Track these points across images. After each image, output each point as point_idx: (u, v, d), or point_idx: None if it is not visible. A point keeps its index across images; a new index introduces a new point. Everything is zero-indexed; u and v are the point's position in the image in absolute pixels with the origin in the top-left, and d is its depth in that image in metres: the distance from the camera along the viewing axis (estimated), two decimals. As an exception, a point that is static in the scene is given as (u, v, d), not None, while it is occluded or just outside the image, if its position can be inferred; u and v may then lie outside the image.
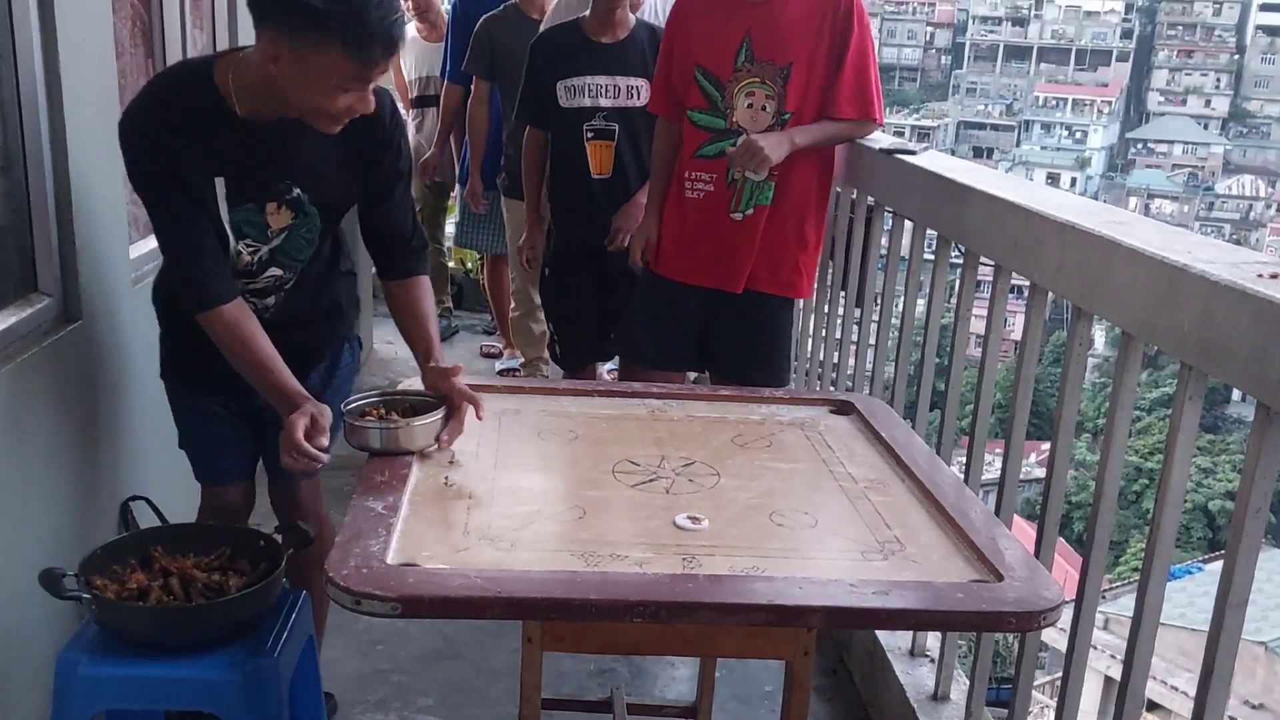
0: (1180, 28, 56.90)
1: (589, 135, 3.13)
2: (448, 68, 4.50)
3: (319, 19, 1.59)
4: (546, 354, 3.96)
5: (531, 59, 3.18)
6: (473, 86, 4.29)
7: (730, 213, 2.64)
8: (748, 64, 2.52)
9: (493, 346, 5.07)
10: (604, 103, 3.11)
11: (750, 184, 2.60)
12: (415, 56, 4.99)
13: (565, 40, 3.14)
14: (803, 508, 1.64)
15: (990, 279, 2.15)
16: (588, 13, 3.12)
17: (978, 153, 48.54)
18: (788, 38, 2.49)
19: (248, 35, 3.43)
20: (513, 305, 4.42)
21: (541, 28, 3.48)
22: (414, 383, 1.94)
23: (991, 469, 2.96)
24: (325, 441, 1.77)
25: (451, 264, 5.91)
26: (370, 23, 1.61)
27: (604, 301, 3.28)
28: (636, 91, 3.11)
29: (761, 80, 2.52)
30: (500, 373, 4.59)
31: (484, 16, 4.16)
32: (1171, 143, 52.53)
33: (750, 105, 2.54)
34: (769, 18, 2.49)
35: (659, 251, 2.80)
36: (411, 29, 4.97)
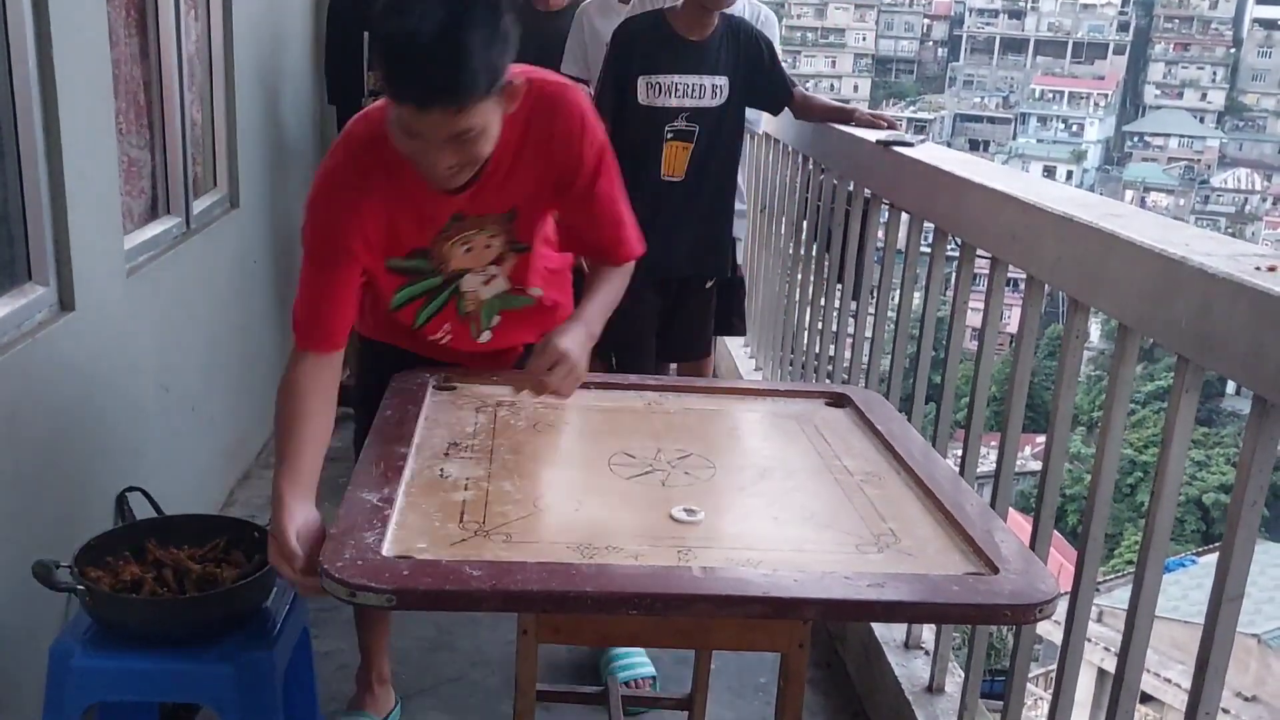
0: (1177, 21, 56.92)
1: (669, 136, 2.93)
2: None
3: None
4: None
5: (613, 49, 2.98)
6: None
7: (475, 340, 2.07)
8: (457, 223, 1.86)
9: None
10: (688, 103, 2.92)
11: (485, 308, 2.01)
12: None
13: (651, 34, 2.94)
14: (798, 500, 1.64)
15: (987, 272, 2.15)
16: (676, 4, 2.94)
17: (974, 145, 48.55)
18: (506, 192, 1.84)
19: (243, 25, 3.43)
20: None
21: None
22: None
23: (987, 461, 2.96)
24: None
25: None
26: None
27: (667, 316, 3.08)
28: (719, 91, 2.93)
29: (479, 229, 1.89)
30: None
31: None
32: (1168, 136, 52.59)
33: (470, 250, 1.91)
34: (477, 195, 1.81)
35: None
36: None
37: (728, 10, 2.94)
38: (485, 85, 1.53)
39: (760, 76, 2.98)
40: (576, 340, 1.77)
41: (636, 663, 2.53)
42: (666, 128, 2.92)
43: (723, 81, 2.93)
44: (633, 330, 3.07)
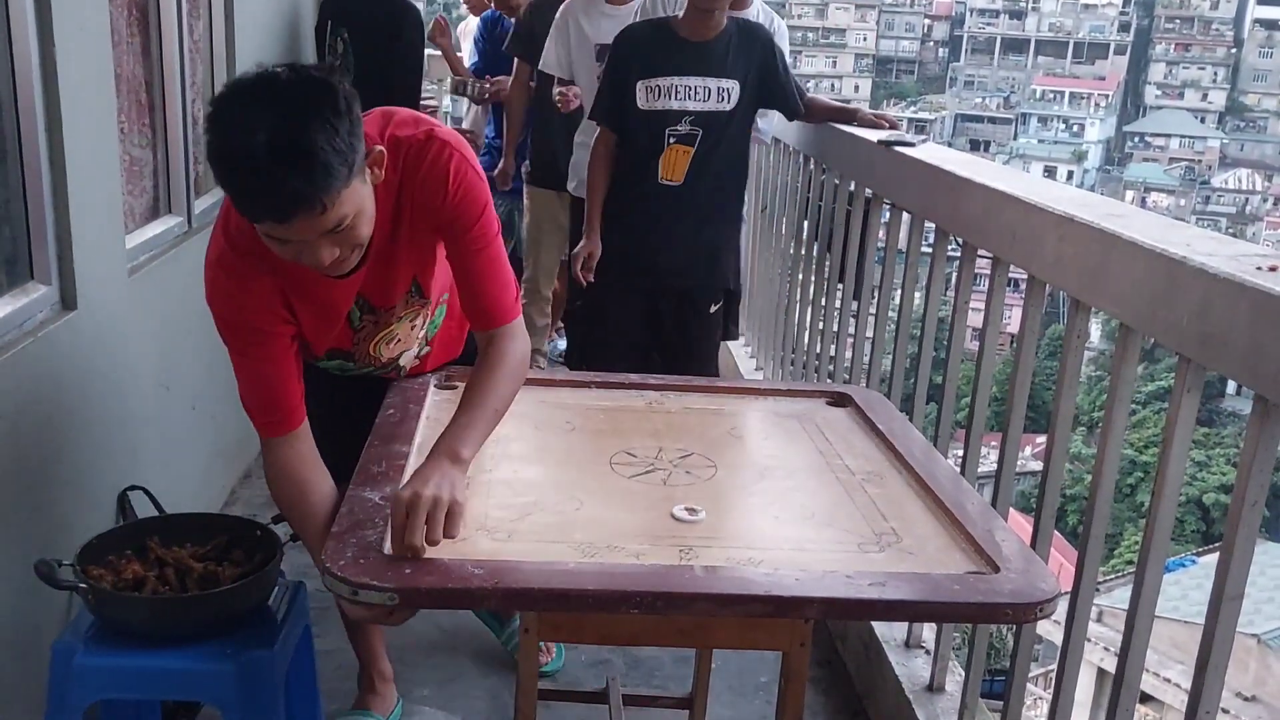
0: (1178, 21, 56.89)
1: (671, 140, 2.88)
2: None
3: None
4: (545, 346, 3.94)
5: (613, 54, 2.95)
6: (514, 67, 4.32)
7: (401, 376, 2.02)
8: (370, 317, 1.81)
9: None
10: (692, 106, 2.87)
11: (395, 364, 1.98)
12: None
13: (652, 38, 2.90)
14: (799, 499, 1.64)
15: (988, 272, 2.15)
16: (679, 13, 2.91)
17: (975, 145, 48.53)
18: (401, 271, 1.77)
19: (244, 24, 3.43)
20: (520, 292, 4.43)
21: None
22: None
23: (988, 461, 2.96)
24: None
25: None
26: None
27: (652, 326, 3.05)
28: (727, 94, 2.88)
29: (399, 318, 1.85)
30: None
31: (529, 2, 4.21)
32: (1168, 136, 52.56)
33: (399, 339, 1.89)
34: (370, 272, 1.72)
35: None
36: (471, 22, 5.05)
37: (740, 14, 2.92)
38: (344, 174, 1.42)
39: (773, 82, 2.95)
40: (424, 479, 1.44)
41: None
42: (668, 131, 2.88)
43: (731, 85, 2.88)
44: (610, 332, 3.07)
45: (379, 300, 1.79)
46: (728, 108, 2.89)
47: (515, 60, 4.29)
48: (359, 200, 1.48)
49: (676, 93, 2.87)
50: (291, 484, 1.71)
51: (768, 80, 2.93)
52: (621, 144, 2.98)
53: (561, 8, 3.59)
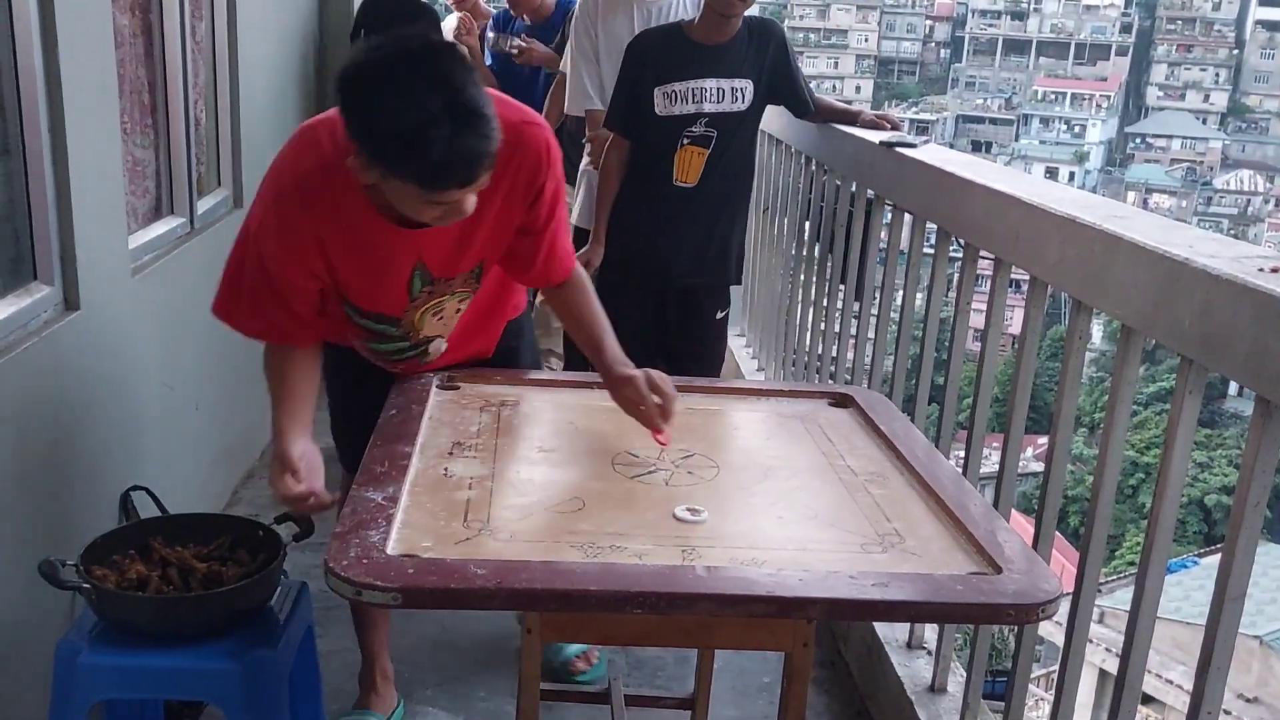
0: (1180, 22, 56.86)
1: (685, 141, 2.86)
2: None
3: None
4: (559, 346, 3.90)
5: (627, 62, 2.91)
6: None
7: (422, 364, 2.05)
8: (427, 288, 1.86)
9: None
10: (708, 108, 2.84)
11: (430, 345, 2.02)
12: None
13: (667, 44, 2.87)
14: (802, 500, 1.64)
15: (990, 273, 2.15)
16: (694, 19, 2.89)
17: (976, 147, 48.52)
18: (466, 243, 1.82)
19: (247, 27, 3.43)
20: (539, 293, 4.37)
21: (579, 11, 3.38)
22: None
23: (989, 462, 2.96)
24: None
25: None
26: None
27: (658, 329, 3.03)
28: (741, 94, 2.87)
29: (451, 292, 1.90)
30: None
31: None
32: (1170, 137, 52.53)
33: (441, 318, 1.94)
34: (439, 237, 1.77)
35: None
36: (453, 20, 5.02)
37: (746, 11, 2.91)
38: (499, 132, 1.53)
39: (785, 78, 2.95)
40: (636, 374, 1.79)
41: None
42: (683, 133, 2.87)
43: (745, 84, 2.88)
44: (618, 335, 3.06)
45: (441, 270, 1.84)
46: (742, 107, 2.89)
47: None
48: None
49: (693, 96, 2.86)
50: (283, 354, 1.83)
51: (780, 77, 2.93)
52: (635, 149, 2.97)
53: (580, 11, 3.34)
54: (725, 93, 2.87)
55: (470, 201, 1.60)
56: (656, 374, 1.77)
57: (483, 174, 1.54)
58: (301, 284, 1.79)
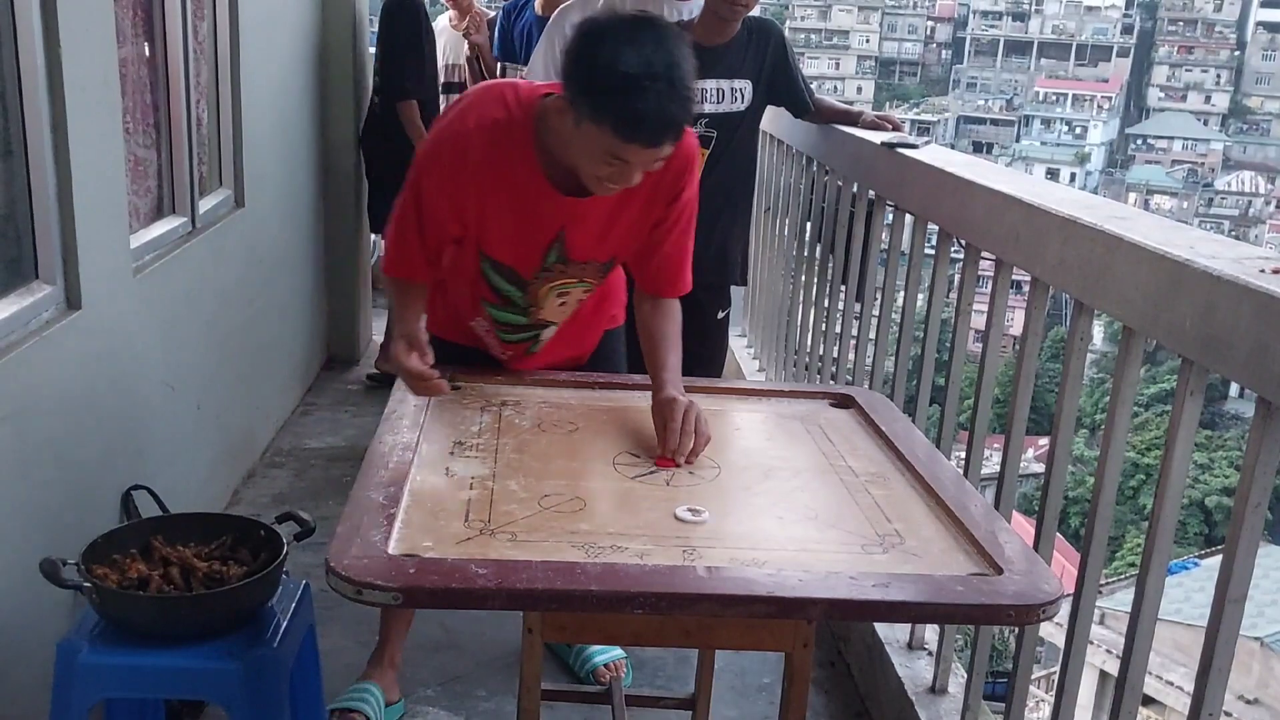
0: (1181, 24, 56.85)
1: None
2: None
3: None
4: None
5: None
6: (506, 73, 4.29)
7: (528, 354, 2.16)
8: (560, 264, 1.96)
9: None
10: (707, 108, 2.85)
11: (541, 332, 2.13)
12: (445, 43, 5.03)
13: None
14: (803, 500, 1.64)
15: (991, 274, 2.15)
16: (693, 19, 2.87)
17: (977, 148, 48.50)
18: (607, 231, 1.94)
19: (249, 25, 3.44)
20: None
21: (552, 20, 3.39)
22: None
23: (990, 463, 2.96)
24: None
25: None
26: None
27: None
28: (741, 95, 2.87)
29: (580, 279, 2.00)
30: None
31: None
32: (1171, 139, 52.53)
33: (564, 304, 2.04)
34: (587, 213, 1.89)
35: None
36: (445, 18, 5.02)
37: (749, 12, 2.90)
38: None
39: (784, 79, 2.95)
40: (680, 402, 1.81)
41: (608, 645, 2.52)
42: None
43: (745, 85, 2.88)
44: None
45: (576, 250, 1.94)
46: (741, 107, 2.89)
47: (501, 66, 4.26)
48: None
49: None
50: (400, 294, 1.98)
51: (779, 77, 2.93)
52: None
53: (556, 12, 3.46)
54: (725, 93, 2.87)
55: (637, 175, 1.71)
56: (703, 418, 1.77)
57: (667, 144, 1.65)
58: (445, 219, 1.90)
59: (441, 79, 5.05)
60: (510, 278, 1.98)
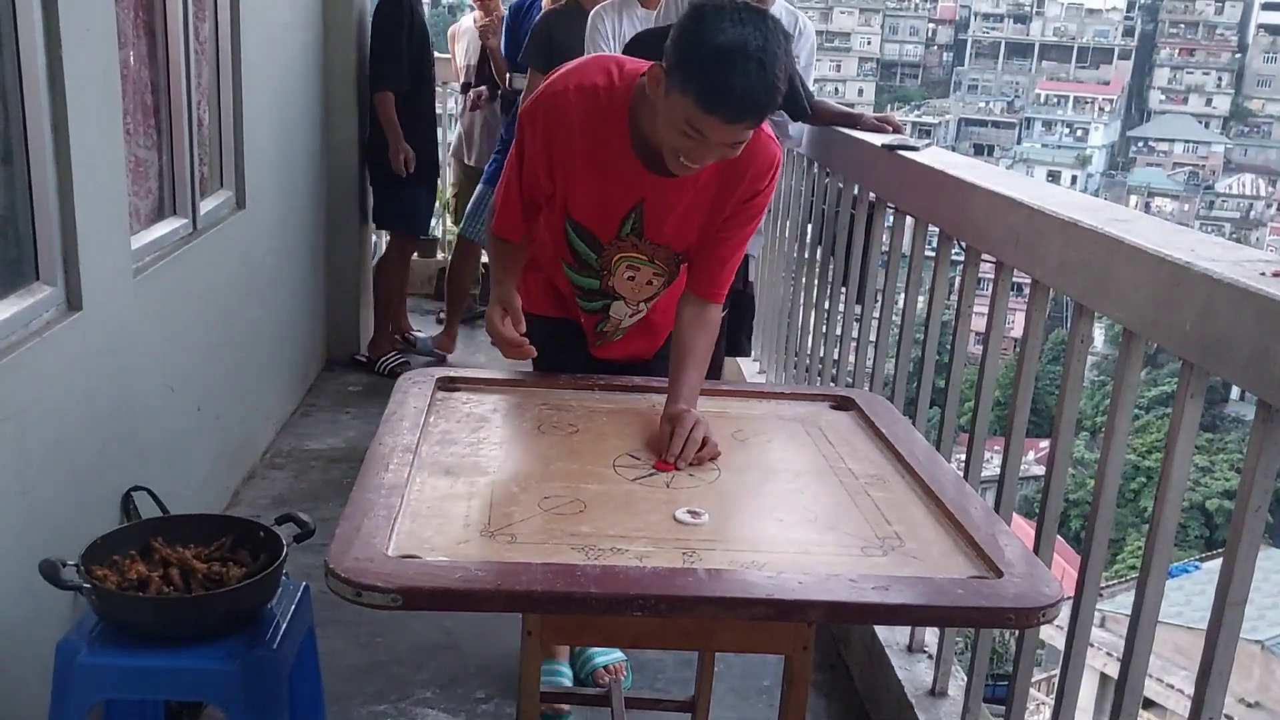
0: (1182, 26, 56.85)
1: None
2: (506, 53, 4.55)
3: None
4: None
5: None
6: (527, 78, 4.28)
7: (601, 328, 2.22)
8: (634, 237, 2.02)
9: None
10: None
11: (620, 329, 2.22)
12: (468, 42, 5.05)
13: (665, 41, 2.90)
14: (803, 503, 1.64)
15: (991, 276, 2.15)
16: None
17: (979, 150, 48.50)
18: (686, 219, 1.98)
19: (250, 26, 3.44)
20: None
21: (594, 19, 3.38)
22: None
23: (990, 466, 2.96)
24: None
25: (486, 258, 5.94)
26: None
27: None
28: None
29: (650, 259, 2.05)
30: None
31: (545, 10, 4.17)
32: (1172, 141, 52.53)
33: (633, 279, 2.09)
34: (667, 193, 1.94)
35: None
36: (471, 17, 5.04)
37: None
38: (778, 105, 1.70)
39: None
40: (702, 422, 1.82)
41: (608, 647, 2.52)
42: None
43: None
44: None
45: (651, 227, 2.00)
46: None
47: (529, 71, 4.24)
48: (749, 134, 1.74)
49: None
50: (500, 245, 2.09)
51: None
52: None
53: (592, 12, 3.44)
54: None
55: (711, 154, 1.76)
56: (711, 435, 1.78)
57: (745, 123, 1.69)
58: (540, 174, 1.97)
59: (462, 78, 5.08)
60: (589, 241, 2.06)
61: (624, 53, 2.94)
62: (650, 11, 3.19)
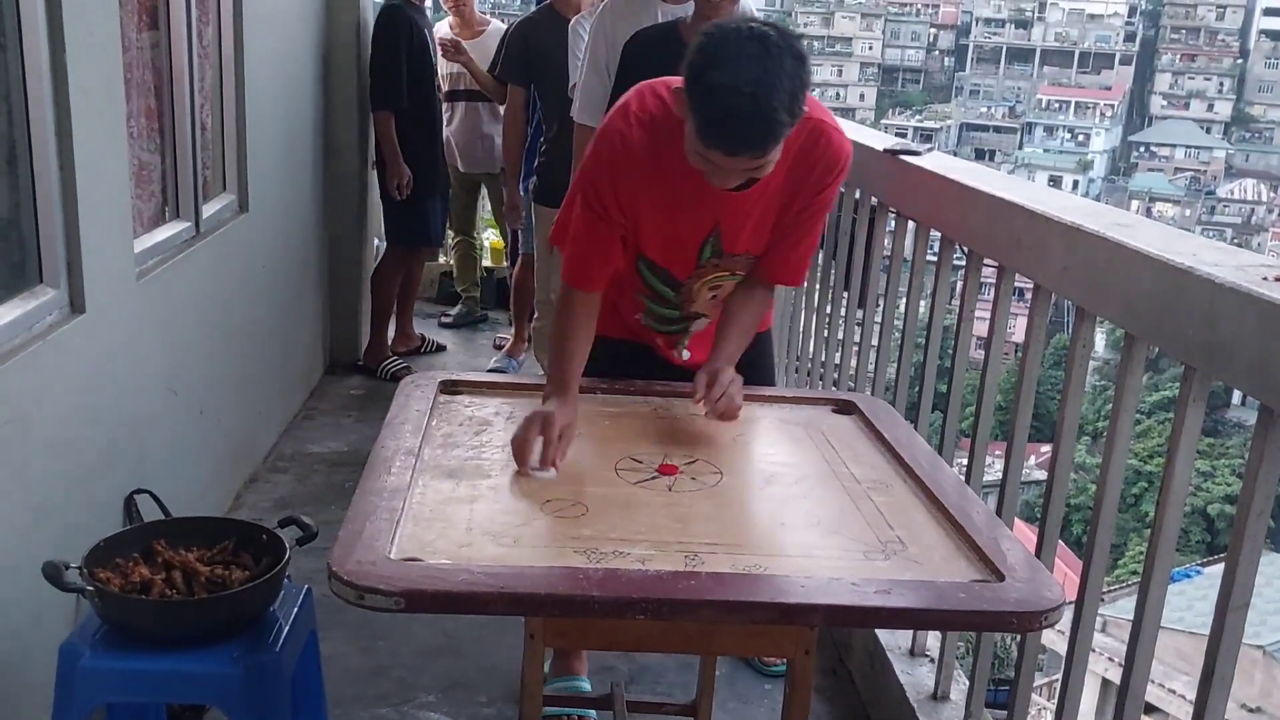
0: (1184, 31, 56.87)
1: None
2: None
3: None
4: None
5: (624, 63, 2.87)
6: (508, 93, 4.24)
7: (679, 357, 2.22)
8: (714, 259, 2.01)
9: (505, 339, 5.10)
10: None
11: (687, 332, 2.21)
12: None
13: (662, 43, 2.80)
14: (805, 507, 1.64)
15: (993, 281, 2.15)
16: (687, 16, 2.84)
17: (980, 155, 48.49)
18: (762, 224, 1.98)
19: (253, 30, 3.45)
20: (535, 315, 4.39)
21: (575, 25, 3.37)
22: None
23: (992, 470, 2.96)
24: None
25: (487, 261, 5.94)
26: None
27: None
28: None
29: (732, 272, 2.04)
30: (489, 372, 4.57)
31: (519, 20, 4.13)
32: (1174, 146, 52.51)
33: (715, 297, 2.09)
34: (740, 207, 1.93)
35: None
36: (446, 25, 5.01)
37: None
38: (787, 134, 1.70)
39: None
40: (732, 382, 1.89)
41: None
42: None
43: None
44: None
45: (731, 242, 1.99)
46: None
47: (509, 86, 4.20)
48: (778, 153, 1.74)
49: None
50: (564, 326, 1.96)
51: None
52: None
53: (597, 15, 3.24)
54: None
55: (733, 177, 1.76)
56: (735, 388, 1.86)
57: (746, 157, 1.69)
58: (613, 215, 1.93)
59: (445, 87, 5.03)
60: (665, 279, 2.06)
61: (620, 62, 2.94)
62: (672, 13, 3.14)
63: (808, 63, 1.70)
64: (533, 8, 4.46)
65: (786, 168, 1.86)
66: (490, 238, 5.57)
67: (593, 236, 1.95)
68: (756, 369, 2.24)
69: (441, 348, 5.08)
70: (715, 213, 1.93)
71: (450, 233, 5.43)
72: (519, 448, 1.70)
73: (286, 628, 1.85)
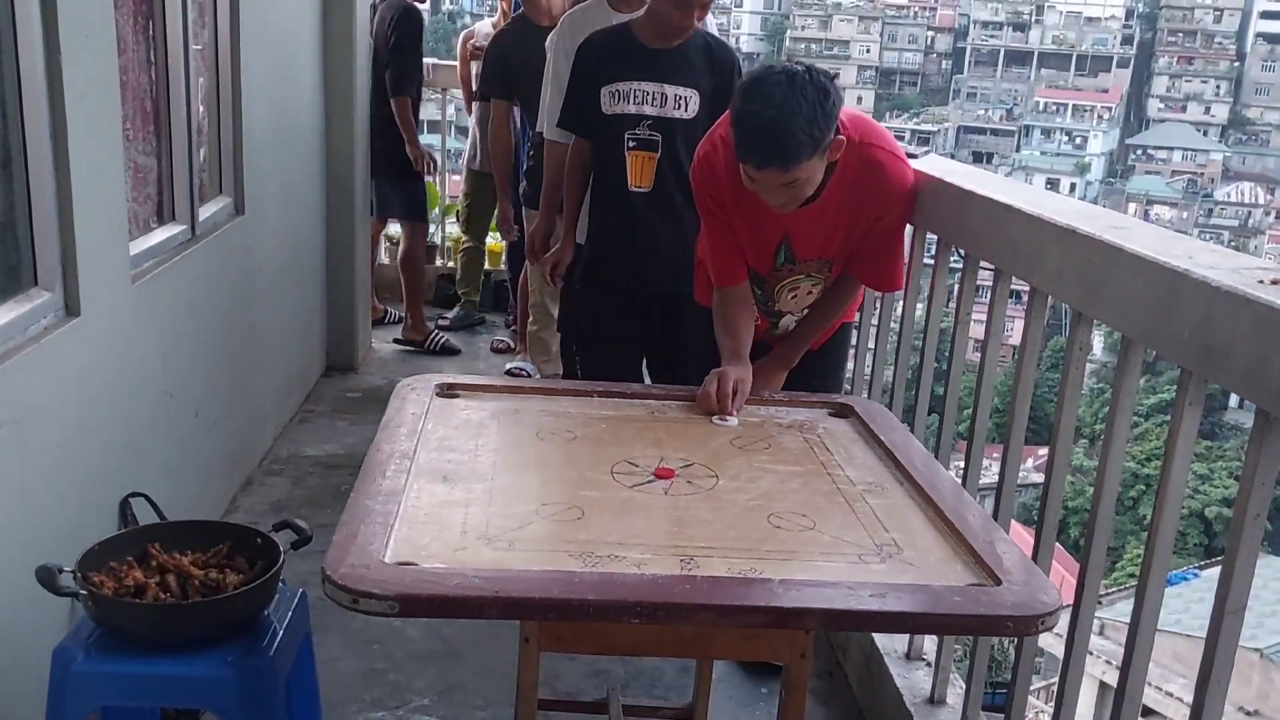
0: (1181, 34, 56.96)
1: (630, 145, 2.90)
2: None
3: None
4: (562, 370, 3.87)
5: (577, 63, 2.97)
6: (491, 108, 4.29)
7: (771, 332, 2.53)
8: (789, 264, 2.36)
9: (504, 342, 5.09)
10: (649, 110, 2.88)
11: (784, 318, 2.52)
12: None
13: (615, 44, 2.93)
14: (801, 510, 1.64)
15: (990, 283, 2.15)
16: (639, 15, 2.93)
17: (977, 157, 48.52)
18: (830, 236, 2.31)
19: (250, 33, 3.44)
20: (530, 319, 4.40)
21: (554, 33, 3.39)
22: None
23: (989, 473, 2.96)
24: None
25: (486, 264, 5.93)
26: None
27: (640, 326, 3.08)
28: (684, 102, 2.89)
29: (807, 274, 2.39)
30: (507, 372, 4.58)
31: (494, 34, 4.18)
32: (1171, 149, 52.56)
33: (795, 297, 2.44)
34: (807, 220, 2.25)
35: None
36: (488, 24, 5.04)
37: (706, 29, 2.94)
38: (809, 152, 1.99)
39: (726, 98, 2.93)
40: (774, 376, 2.42)
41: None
42: (628, 135, 2.90)
43: (690, 94, 2.89)
44: (602, 329, 3.10)
45: (801, 250, 2.33)
46: (687, 116, 2.89)
47: (491, 101, 4.27)
48: (813, 171, 2.05)
49: (635, 96, 2.89)
50: (727, 309, 2.35)
51: (721, 94, 2.90)
52: (591, 152, 3.01)
53: (552, 33, 3.34)
54: (667, 98, 2.89)
55: (774, 194, 2.08)
56: (741, 390, 2.09)
57: (773, 170, 2.01)
58: (727, 213, 2.30)
59: (476, 86, 5.07)
60: (754, 278, 2.40)
61: (575, 61, 2.98)
62: (624, 15, 3.16)
63: (833, 95, 1.99)
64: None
65: (844, 188, 2.19)
66: (490, 240, 5.56)
67: (718, 238, 2.34)
68: (827, 364, 2.61)
69: (455, 350, 5.07)
70: (784, 224, 2.26)
71: (462, 236, 5.43)
72: (703, 400, 2.04)
73: (281, 631, 1.85)
